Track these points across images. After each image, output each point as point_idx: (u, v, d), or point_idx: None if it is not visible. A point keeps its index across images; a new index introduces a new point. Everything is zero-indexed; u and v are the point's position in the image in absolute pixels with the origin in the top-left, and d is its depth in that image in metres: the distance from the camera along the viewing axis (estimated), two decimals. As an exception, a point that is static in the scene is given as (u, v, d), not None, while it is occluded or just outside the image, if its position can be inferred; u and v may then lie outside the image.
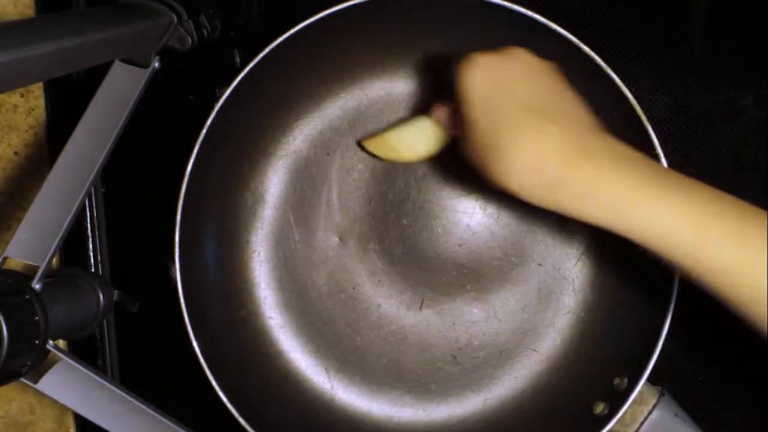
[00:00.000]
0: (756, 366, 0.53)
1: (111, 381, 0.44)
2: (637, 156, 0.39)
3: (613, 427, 0.47)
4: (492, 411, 0.53)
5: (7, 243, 0.43)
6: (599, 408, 0.49)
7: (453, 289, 0.54)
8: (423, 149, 0.51)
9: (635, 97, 0.47)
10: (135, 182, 0.56)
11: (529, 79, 0.41)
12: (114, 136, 0.46)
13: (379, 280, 0.54)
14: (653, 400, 0.49)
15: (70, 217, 0.44)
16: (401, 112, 0.54)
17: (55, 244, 0.43)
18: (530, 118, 0.39)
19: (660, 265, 0.39)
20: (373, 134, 0.53)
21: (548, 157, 0.38)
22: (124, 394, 0.44)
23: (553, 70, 0.42)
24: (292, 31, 0.48)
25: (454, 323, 0.54)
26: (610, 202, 0.38)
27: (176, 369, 0.55)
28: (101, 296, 0.50)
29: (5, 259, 0.43)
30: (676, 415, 0.49)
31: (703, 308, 0.54)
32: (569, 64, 0.48)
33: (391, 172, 0.54)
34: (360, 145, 0.54)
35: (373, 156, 0.53)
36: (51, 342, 0.42)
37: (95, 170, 0.45)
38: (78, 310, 0.48)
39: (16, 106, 0.56)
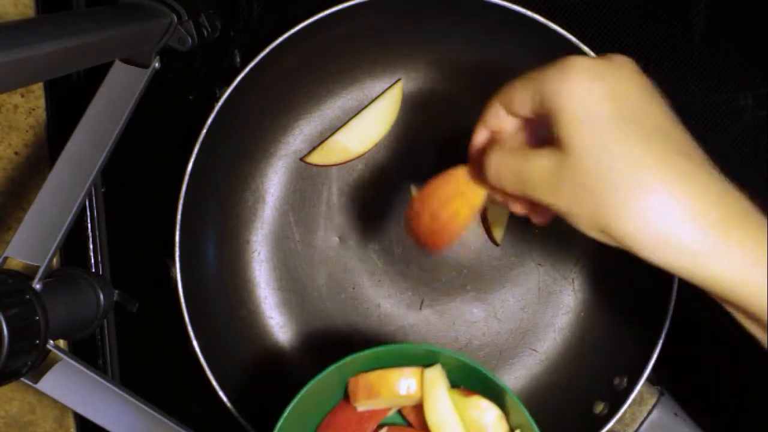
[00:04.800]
0: (756, 366, 0.53)
1: (111, 381, 0.44)
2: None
3: (613, 427, 0.47)
4: (492, 411, 0.53)
5: (8, 243, 0.43)
6: (599, 408, 0.49)
7: (453, 289, 0.54)
8: (376, 134, 0.52)
9: (635, 97, 0.47)
10: (135, 182, 0.56)
11: (650, 97, 0.32)
12: (114, 136, 0.46)
13: (379, 280, 0.54)
14: (653, 400, 0.49)
15: (70, 217, 0.44)
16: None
17: (55, 244, 0.43)
18: (665, 153, 0.30)
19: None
20: (315, 147, 0.54)
21: (695, 217, 0.29)
22: (124, 394, 0.44)
23: (657, 90, 0.34)
24: (292, 31, 0.48)
25: (454, 323, 0.54)
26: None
27: (176, 369, 0.55)
28: (101, 296, 0.50)
29: (5, 259, 0.43)
30: (676, 415, 0.49)
31: (702, 308, 0.54)
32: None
33: (391, 172, 0.54)
34: (305, 162, 0.54)
35: (326, 165, 0.54)
36: (51, 342, 0.42)
37: (95, 170, 0.45)
38: (78, 310, 0.48)
39: (16, 106, 0.56)
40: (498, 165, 0.34)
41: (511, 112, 0.35)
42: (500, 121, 0.36)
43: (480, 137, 0.37)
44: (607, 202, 0.30)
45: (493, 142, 0.36)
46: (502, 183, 0.34)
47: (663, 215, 0.30)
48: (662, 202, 0.30)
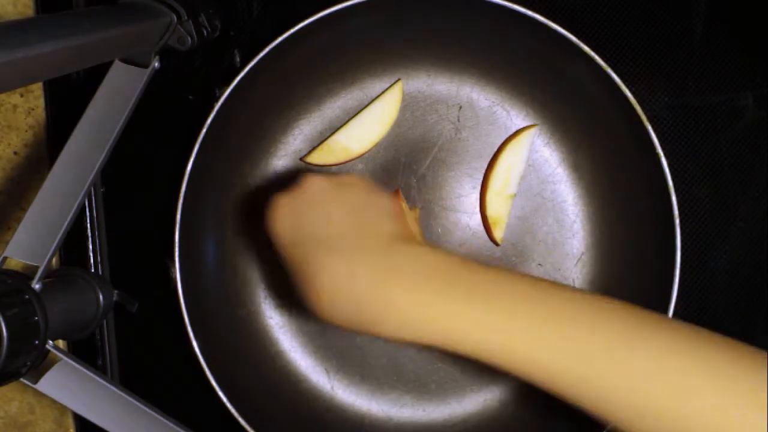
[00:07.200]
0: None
1: (111, 381, 0.44)
2: (450, 261, 0.38)
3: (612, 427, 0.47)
4: (492, 411, 0.53)
5: (7, 243, 0.43)
6: (599, 408, 0.48)
7: (453, 289, 0.54)
8: (376, 134, 0.53)
9: (635, 97, 0.47)
10: (135, 182, 0.56)
11: (319, 208, 0.41)
12: (114, 136, 0.46)
13: (379, 280, 0.54)
14: (653, 400, 0.49)
15: (70, 217, 0.44)
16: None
17: (55, 244, 0.43)
18: (322, 253, 0.39)
19: None
20: (315, 147, 0.54)
21: (348, 285, 0.38)
22: (124, 394, 0.44)
23: (347, 187, 0.42)
24: (292, 31, 0.48)
25: (454, 323, 0.54)
26: (430, 323, 0.37)
27: (176, 369, 0.55)
28: (101, 296, 0.50)
29: (5, 259, 0.43)
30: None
31: (702, 308, 0.54)
32: (569, 64, 0.49)
33: (391, 172, 0.54)
34: (305, 162, 0.54)
35: (326, 166, 0.54)
36: (51, 342, 0.42)
37: (95, 170, 0.45)
38: (78, 310, 0.48)
39: (15, 106, 0.56)
40: None
41: None
42: None
43: None
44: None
45: None
46: None
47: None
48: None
